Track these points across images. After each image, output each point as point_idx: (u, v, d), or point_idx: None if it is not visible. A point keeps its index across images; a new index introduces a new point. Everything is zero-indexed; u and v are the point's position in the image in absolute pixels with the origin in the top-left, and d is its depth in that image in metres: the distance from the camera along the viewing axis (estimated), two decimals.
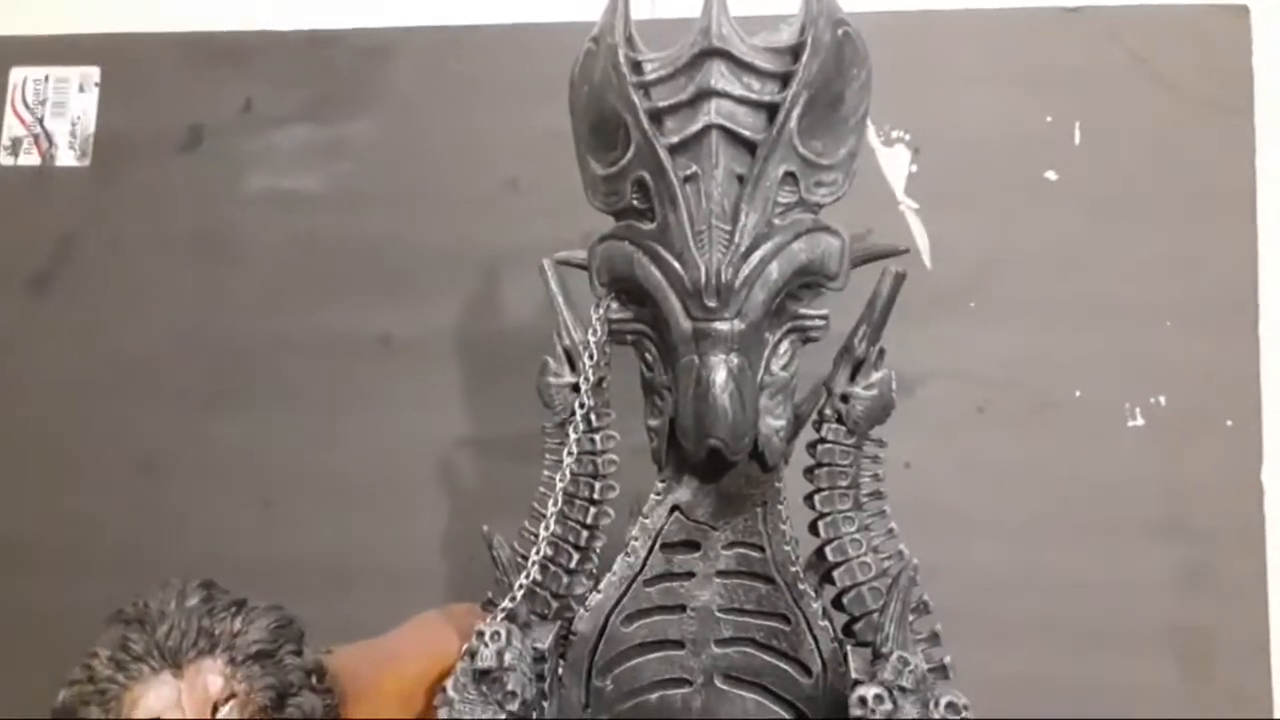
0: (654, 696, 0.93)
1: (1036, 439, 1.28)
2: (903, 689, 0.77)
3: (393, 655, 0.97)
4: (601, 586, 0.93)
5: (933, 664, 0.84)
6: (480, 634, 0.83)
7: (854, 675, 0.83)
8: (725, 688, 0.92)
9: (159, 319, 1.54)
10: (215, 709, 0.80)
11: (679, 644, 0.93)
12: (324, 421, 1.46)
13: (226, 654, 0.82)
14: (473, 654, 0.82)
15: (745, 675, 0.92)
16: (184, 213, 1.56)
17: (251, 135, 1.55)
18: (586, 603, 0.93)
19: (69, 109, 1.66)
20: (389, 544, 1.41)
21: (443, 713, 0.79)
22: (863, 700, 0.76)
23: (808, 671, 0.90)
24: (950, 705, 0.74)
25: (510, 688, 0.81)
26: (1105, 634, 1.24)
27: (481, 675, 0.81)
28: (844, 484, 0.91)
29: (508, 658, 0.82)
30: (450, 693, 0.80)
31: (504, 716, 0.79)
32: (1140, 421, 1.27)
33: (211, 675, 0.81)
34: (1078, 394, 1.29)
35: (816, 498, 0.92)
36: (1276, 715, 1.20)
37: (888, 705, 0.75)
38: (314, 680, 0.86)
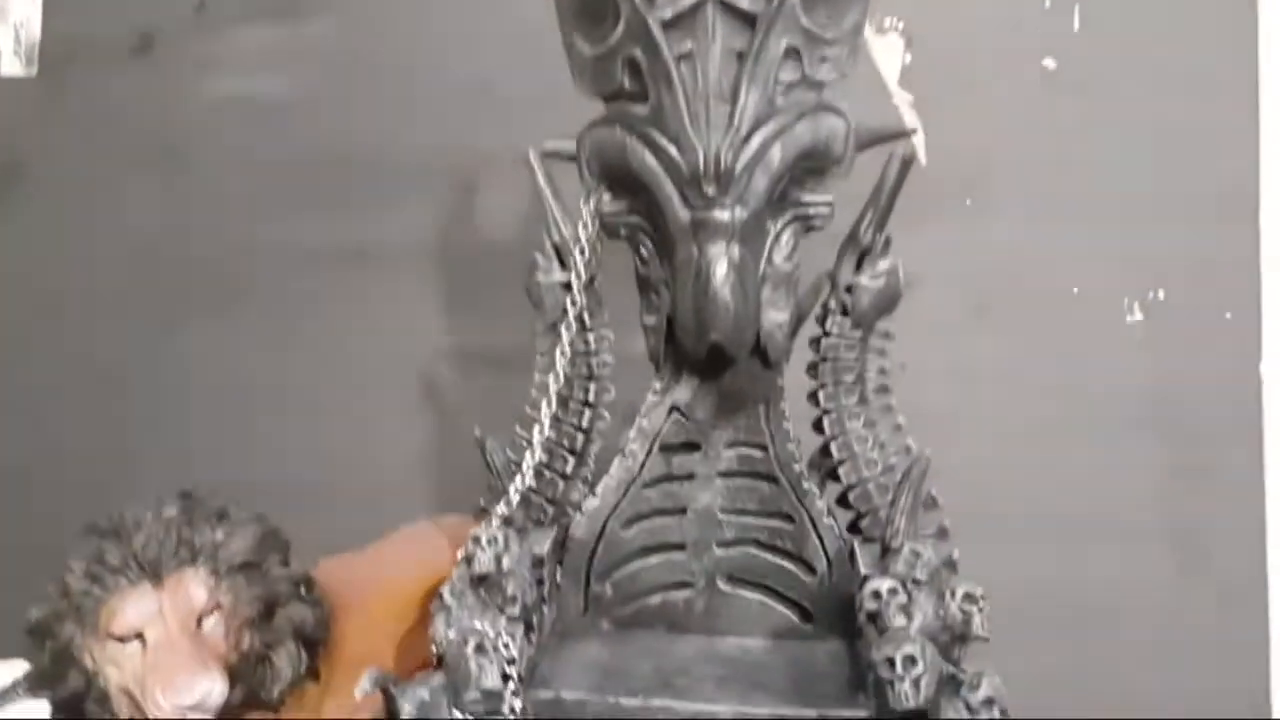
0: (655, 600, 0.90)
1: (1034, 338, 1.26)
2: (916, 581, 0.75)
3: (383, 566, 0.94)
4: (598, 491, 0.90)
5: (941, 559, 0.82)
6: (477, 539, 0.79)
7: (863, 571, 0.81)
8: (728, 589, 0.90)
9: (117, 234, 1.47)
10: (200, 621, 0.77)
11: (680, 546, 0.90)
12: (298, 337, 1.41)
13: (209, 565, 0.78)
14: (469, 559, 0.79)
15: (748, 576, 0.89)
16: (139, 122, 1.48)
17: (207, 37, 1.46)
18: (583, 508, 0.90)
19: (11, 13, 1.55)
20: (371, 460, 1.37)
21: (440, 619, 0.75)
22: (876, 594, 0.74)
23: (812, 570, 0.88)
24: (968, 596, 0.72)
25: (510, 592, 0.78)
26: (1102, 531, 1.23)
27: (479, 580, 0.78)
28: (849, 379, 0.88)
29: (506, 562, 0.79)
30: (447, 599, 0.76)
31: (504, 621, 0.76)
32: (1139, 316, 1.25)
33: (194, 586, 0.77)
34: (1076, 290, 1.26)
35: (820, 394, 0.89)
36: (1271, 607, 1.20)
37: (901, 598, 0.73)
38: (302, 591, 0.82)
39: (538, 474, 0.89)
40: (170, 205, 1.46)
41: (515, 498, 0.85)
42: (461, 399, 1.37)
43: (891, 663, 0.67)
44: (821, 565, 0.88)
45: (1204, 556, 1.22)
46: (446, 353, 1.38)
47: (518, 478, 0.86)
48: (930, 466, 0.82)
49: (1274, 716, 1.18)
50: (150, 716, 0.76)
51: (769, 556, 0.89)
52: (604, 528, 0.90)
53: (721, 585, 0.90)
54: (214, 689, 0.75)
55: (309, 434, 1.39)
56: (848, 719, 0.76)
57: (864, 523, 0.87)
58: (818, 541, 0.88)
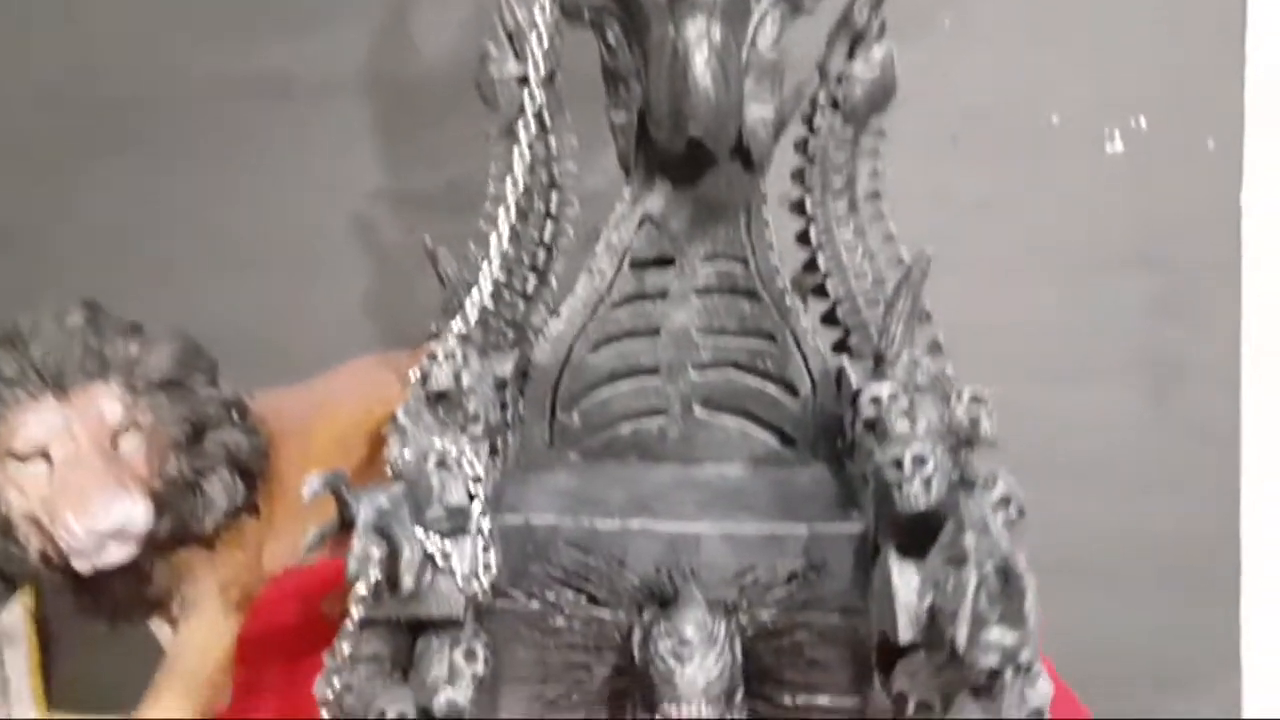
0: (626, 429, 0.84)
1: (1012, 169, 1.19)
2: (918, 387, 0.69)
3: (325, 399, 0.85)
4: (563, 313, 0.82)
5: (938, 371, 0.77)
6: (433, 355, 0.71)
7: (855, 385, 0.75)
8: (704, 415, 0.83)
9: (11, 75, 1.32)
10: (115, 441, 0.68)
11: (653, 371, 0.83)
12: (221, 178, 1.28)
13: (123, 379, 0.69)
14: (425, 377, 0.71)
15: (726, 401, 0.83)
16: None
17: None
18: (546, 331, 0.83)
19: None
20: (301, 310, 1.27)
21: (394, 441, 0.67)
22: (875, 400, 0.68)
23: (794, 392, 0.82)
24: (974, 398, 0.67)
25: (471, 410, 0.71)
26: (1076, 367, 1.20)
27: (437, 398, 0.70)
28: (838, 183, 0.80)
29: (466, 379, 0.71)
30: (402, 419, 0.68)
31: (466, 440, 0.68)
32: (1119, 146, 1.19)
33: (107, 401, 0.68)
34: (1055, 119, 1.20)
35: (807, 200, 0.81)
36: (1244, 440, 1.19)
37: (903, 402, 0.67)
38: (234, 415, 0.74)
39: (495, 294, 0.81)
40: (67, 39, 1.31)
41: (473, 313, 0.77)
42: (402, 242, 1.26)
43: (899, 464, 0.61)
44: (805, 387, 0.82)
45: (1178, 392, 1.19)
46: (385, 192, 1.27)
47: (474, 291, 0.78)
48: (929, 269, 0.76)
49: (1241, 547, 1.18)
50: (62, 545, 0.67)
51: (749, 379, 0.82)
52: (569, 352, 0.83)
53: (698, 411, 0.83)
54: (135, 513, 0.67)
55: (236, 282, 1.28)
56: (841, 534, 0.71)
57: (852, 339, 0.81)
58: (801, 362, 0.82)
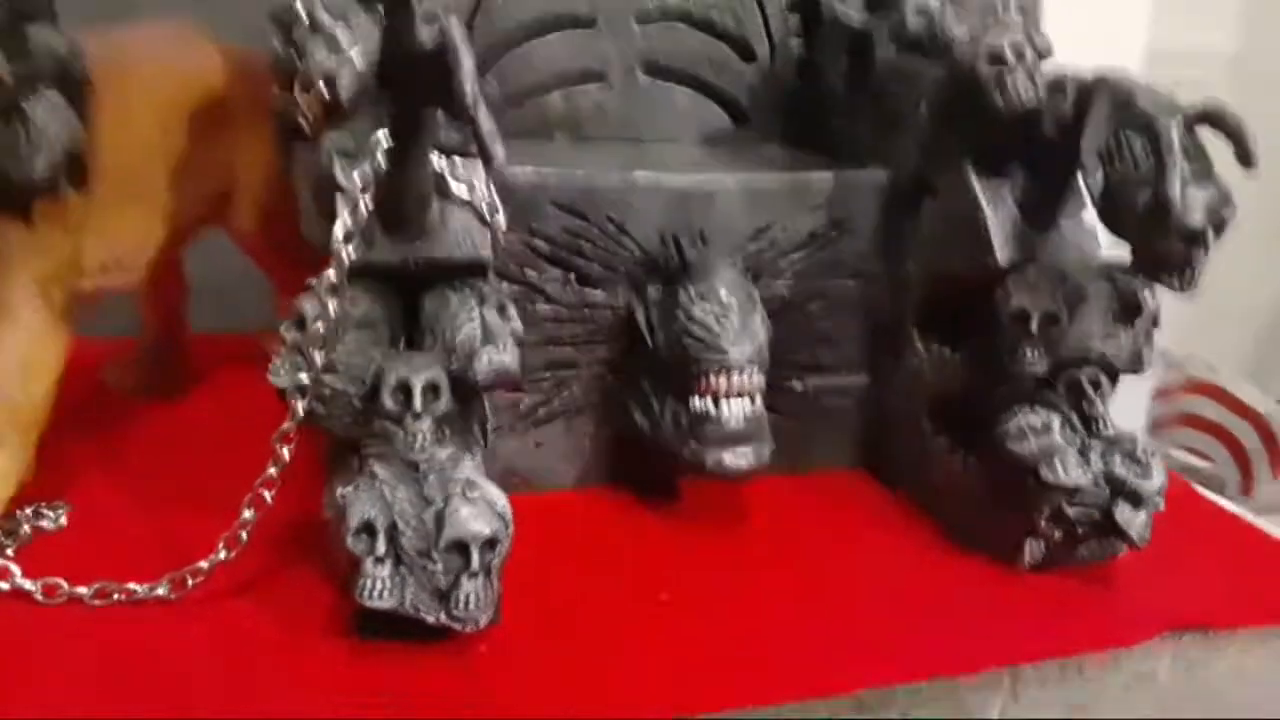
0: (555, 96, 0.67)
1: None
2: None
3: (131, 56, 0.58)
4: None
5: None
6: None
7: (858, 21, 0.64)
8: (649, 80, 0.68)
9: None
10: None
11: (587, 22, 0.66)
12: None
13: None
14: None
15: (675, 64, 0.69)
16: None
17: None
18: None
19: None
20: None
21: (316, 48, 0.46)
22: (922, 12, 0.58)
23: (749, 55, 0.70)
24: (1024, 7, 0.59)
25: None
26: None
27: None
28: None
29: None
30: (322, 14, 0.47)
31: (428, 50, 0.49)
32: None
33: None
34: None
35: None
36: None
37: (951, 11, 0.58)
38: (55, 12, 0.47)
39: None
40: None
41: None
42: None
43: (996, 57, 0.52)
44: (763, 48, 0.70)
45: None
46: None
47: None
48: None
49: None
50: None
51: (702, 35, 0.69)
52: None
53: (640, 76, 0.68)
54: None
55: None
56: (870, 182, 0.61)
57: None
58: (759, 16, 0.69)
